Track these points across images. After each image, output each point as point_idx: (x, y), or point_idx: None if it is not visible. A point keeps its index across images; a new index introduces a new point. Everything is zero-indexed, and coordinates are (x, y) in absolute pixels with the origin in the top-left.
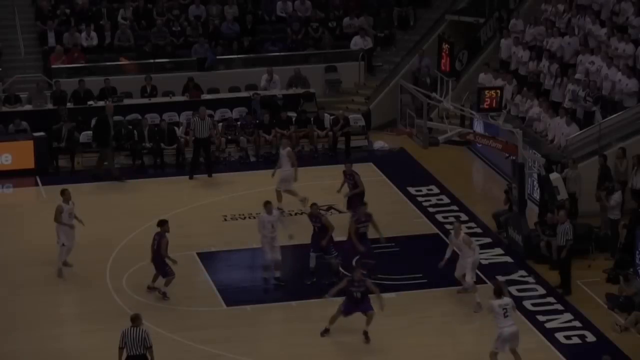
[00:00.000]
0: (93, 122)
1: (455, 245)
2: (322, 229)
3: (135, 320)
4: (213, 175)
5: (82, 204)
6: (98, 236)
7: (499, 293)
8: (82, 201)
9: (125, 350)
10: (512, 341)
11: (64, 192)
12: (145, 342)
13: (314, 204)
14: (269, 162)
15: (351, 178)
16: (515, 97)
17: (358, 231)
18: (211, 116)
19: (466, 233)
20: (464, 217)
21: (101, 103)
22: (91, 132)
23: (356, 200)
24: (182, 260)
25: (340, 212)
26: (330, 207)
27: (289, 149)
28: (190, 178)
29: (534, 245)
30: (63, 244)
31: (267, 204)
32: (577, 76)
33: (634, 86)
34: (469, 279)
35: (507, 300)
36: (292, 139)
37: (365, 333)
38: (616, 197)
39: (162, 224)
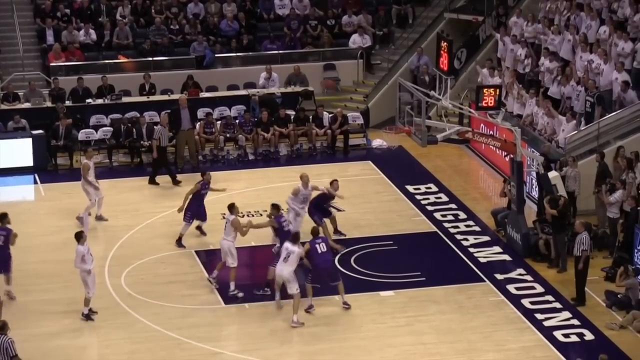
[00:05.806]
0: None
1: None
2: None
3: (3, 328)
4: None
5: (80, 202)
6: (96, 234)
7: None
8: (81, 199)
9: None
10: None
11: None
12: (9, 351)
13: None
14: (268, 160)
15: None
16: (512, 95)
17: (199, 193)
18: (209, 114)
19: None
20: (462, 215)
21: (99, 101)
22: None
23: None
24: (180, 258)
25: (338, 210)
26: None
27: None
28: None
29: (532, 243)
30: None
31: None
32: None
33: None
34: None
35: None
36: (291, 137)
37: None
38: (617, 195)
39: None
